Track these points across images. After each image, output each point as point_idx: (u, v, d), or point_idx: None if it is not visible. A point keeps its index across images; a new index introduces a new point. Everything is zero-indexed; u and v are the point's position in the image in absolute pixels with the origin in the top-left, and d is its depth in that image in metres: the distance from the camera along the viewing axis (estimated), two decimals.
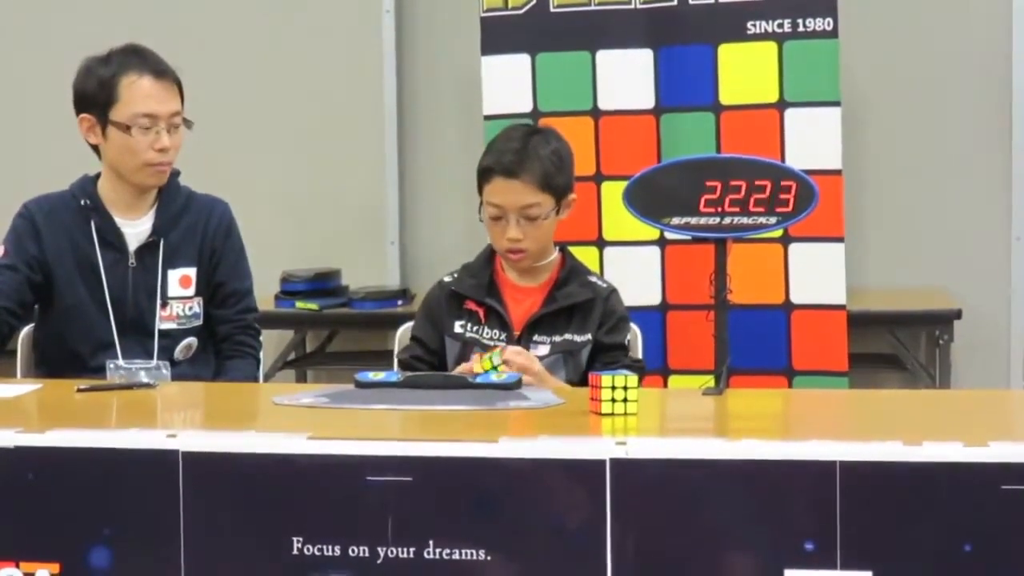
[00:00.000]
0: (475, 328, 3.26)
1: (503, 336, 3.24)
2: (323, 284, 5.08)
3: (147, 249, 3.36)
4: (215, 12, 5.41)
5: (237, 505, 2.33)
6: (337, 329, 5.37)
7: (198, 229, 3.41)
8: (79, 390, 2.89)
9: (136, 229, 3.36)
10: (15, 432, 2.40)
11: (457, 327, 3.27)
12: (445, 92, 5.35)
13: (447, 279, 3.35)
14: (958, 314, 4.68)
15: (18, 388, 2.92)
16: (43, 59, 5.40)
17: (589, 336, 3.27)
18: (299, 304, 4.98)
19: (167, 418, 2.84)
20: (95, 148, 3.37)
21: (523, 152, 3.25)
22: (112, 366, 3.23)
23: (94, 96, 3.30)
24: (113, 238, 3.35)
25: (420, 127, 5.40)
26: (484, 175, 3.29)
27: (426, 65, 5.39)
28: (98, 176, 3.41)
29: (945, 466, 2.18)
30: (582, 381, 3.19)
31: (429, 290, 3.41)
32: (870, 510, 2.19)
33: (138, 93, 3.28)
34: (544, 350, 3.24)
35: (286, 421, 2.63)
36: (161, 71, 3.32)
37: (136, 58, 3.31)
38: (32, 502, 2.37)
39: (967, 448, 2.19)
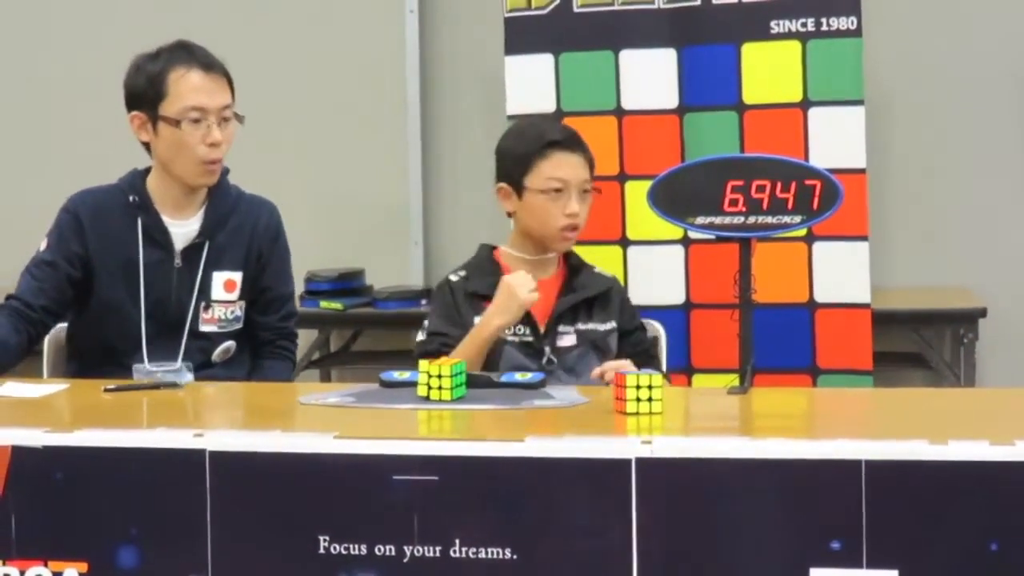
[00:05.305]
0: None
1: (527, 330, 3.23)
2: (347, 284, 5.10)
3: (193, 250, 3.31)
4: (238, 14, 5.43)
5: (264, 504, 2.34)
6: (361, 329, 5.38)
7: (245, 232, 3.36)
8: (106, 390, 2.91)
9: (183, 229, 3.32)
10: (43, 432, 2.42)
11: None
12: (469, 92, 5.36)
13: (455, 278, 3.31)
14: (983, 312, 4.67)
15: (45, 388, 2.93)
16: (80, 61, 5.47)
17: (613, 323, 3.28)
18: (323, 304, 4.99)
19: (194, 418, 2.85)
20: (146, 146, 3.32)
21: (574, 131, 3.31)
22: (136, 369, 3.24)
23: (144, 92, 3.26)
24: (159, 237, 3.31)
25: (444, 127, 5.41)
26: (542, 150, 3.24)
27: (450, 65, 5.40)
28: (147, 171, 3.37)
29: (971, 465, 2.18)
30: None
31: (437, 292, 3.36)
32: (896, 509, 2.18)
33: (187, 86, 3.24)
34: (570, 340, 3.25)
35: (312, 421, 2.64)
36: (209, 64, 3.28)
37: (184, 53, 3.28)
38: (60, 502, 2.39)
39: (993, 447, 2.18)
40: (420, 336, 3.30)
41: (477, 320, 3.23)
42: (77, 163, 5.26)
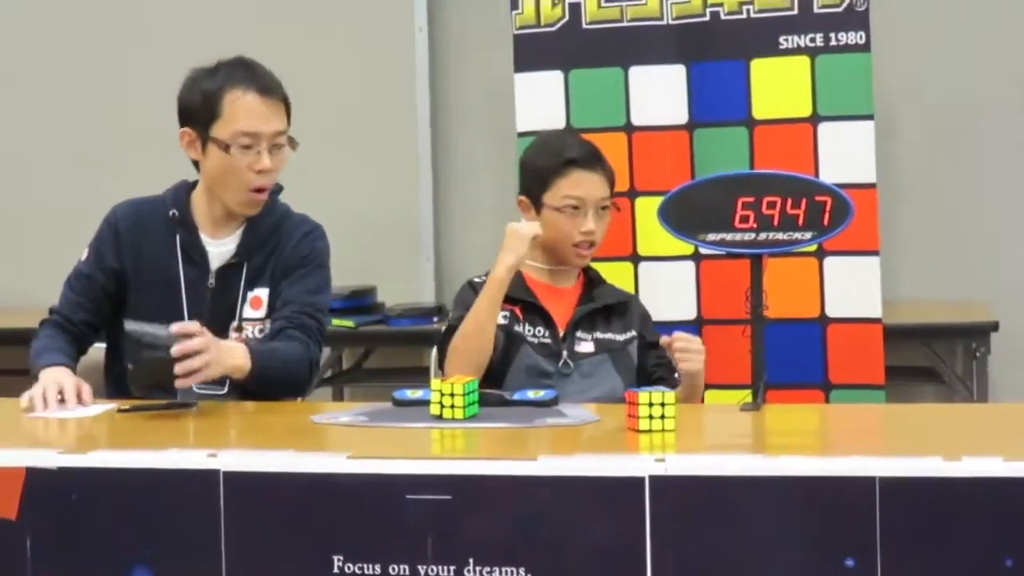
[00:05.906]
0: (516, 326, 3.26)
1: (546, 332, 3.25)
2: (359, 301, 5.09)
3: (229, 269, 3.22)
4: (247, 31, 5.43)
5: (278, 524, 2.34)
6: (373, 346, 5.38)
7: (279, 251, 3.25)
8: (120, 411, 2.91)
9: (220, 248, 3.23)
10: (58, 453, 2.42)
11: (500, 319, 3.23)
12: (478, 109, 5.37)
13: (478, 280, 3.31)
14: (995, 326, 4.66)
15: (88, 410, 2.92)
16: (82, 65, 5.49)
17: (633, 333, 3.32)
18: (335, 321, 4.97)
19: (208, 438, 2.85)
20: (195, 162, 3.24)
21: (595, 149, 3.33)
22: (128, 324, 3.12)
23: (198, 110, 3.16)
24: (196, 255, 3.23)
25: (454, 144, 5.42)
26: (561, 168, 3.27)
27: (459, 82, 5.41)
28: (195, 184, 3.28)
29: (985, 481, 2.18)
30: (639, 375, 3.30)
31: (461, 292, 3.34)
32: (910, 526, 2.18)
33: (241, 110, 3.13)
34: (588, 347, 3.27)
35: (326, 440, 2.65)
36: (268, 88, 3.18)
37: (244, 72, 3.18)
38: (75, 523, 2.39)
39: (1007, 463, 2.18)
40: (444, 327, 3.29)
41: (501, 318, 3.22)
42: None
